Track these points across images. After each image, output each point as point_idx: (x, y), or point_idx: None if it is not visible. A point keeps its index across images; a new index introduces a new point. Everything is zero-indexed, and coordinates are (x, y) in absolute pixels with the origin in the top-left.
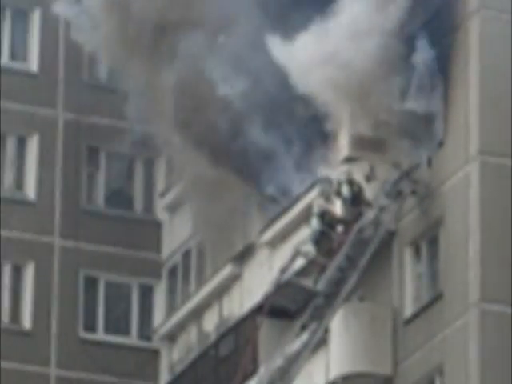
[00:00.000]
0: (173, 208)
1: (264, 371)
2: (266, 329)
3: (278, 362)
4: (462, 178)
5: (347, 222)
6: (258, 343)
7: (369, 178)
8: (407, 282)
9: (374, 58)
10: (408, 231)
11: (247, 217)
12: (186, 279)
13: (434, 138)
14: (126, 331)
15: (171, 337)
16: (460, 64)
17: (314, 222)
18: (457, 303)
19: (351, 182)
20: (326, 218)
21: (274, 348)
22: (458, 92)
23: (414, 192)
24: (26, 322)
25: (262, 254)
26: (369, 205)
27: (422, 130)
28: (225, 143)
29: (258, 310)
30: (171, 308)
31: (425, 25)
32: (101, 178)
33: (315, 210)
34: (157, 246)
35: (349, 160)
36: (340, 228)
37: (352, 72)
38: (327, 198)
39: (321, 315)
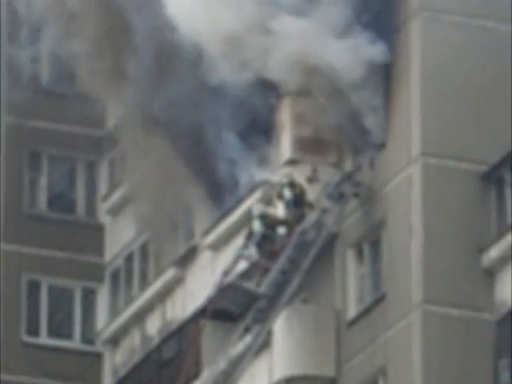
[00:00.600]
0: (115, 211)
1: (207, 374)
2: (209, 332)
3: (222, 364)
4: (404, 180)
5: (289, 224)
6: (201, 346)
7: (311, 179)
8: (350, 283)
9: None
10: (350, 233)
11: (190, 220)
12: (128, 282)
13: (375, 140)
14: (68, 335)
15: (114, 340)
16: (402, 65)
17: (256, 225)
18: (400, 305)
19: (293, 185)
20: (266, 220)
21: (218, 351)
22: (400, 93)
23: (356, 194)
24: None
25: (204, 257)
26: (311, 207)
27: (363, 131)
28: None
29: (200, 313)
30: (114, 311)
31: (367, 25)
32: (43, 182)
33: (255, 212)
34: (99, 250)
35: (291, 162)
36: (282, 230)
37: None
38: (269, 201)
39: (264, 318)
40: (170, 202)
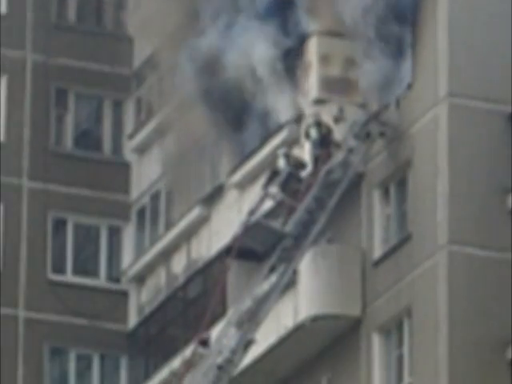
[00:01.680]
0: (141, 150)
1: (233, 313)
2: (234, 271)
3: (247, 303)
4: (430, 120)
5: (314, 164)
6: (227, 285)
7: (337, 119)
8: (376, 223)
9: None
10: (376, 173)
11: (216, 158)
12: (154, 221)
13: (403, 80)
14: (94, 273)
15: (140, 278)
16: (429, 4)
17: (282, 163)
18: (425, 245)
19: (320, 124)
20: (291, 159)
21: (243, 290)
22: (427, 33)
23: (382, 134)
24: None
25: (230, 196)
26: (338, 146)
27: (391, 71)
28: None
29: (226, 251)
30: (140, 250)
31: None
32: (69, 120)
33: (280, 152)
34: (125, 188)
35: (317, 102)
36: (307, 169)
37: None
38: (295, 141)
39: (289, 257)
40: (196, 140)
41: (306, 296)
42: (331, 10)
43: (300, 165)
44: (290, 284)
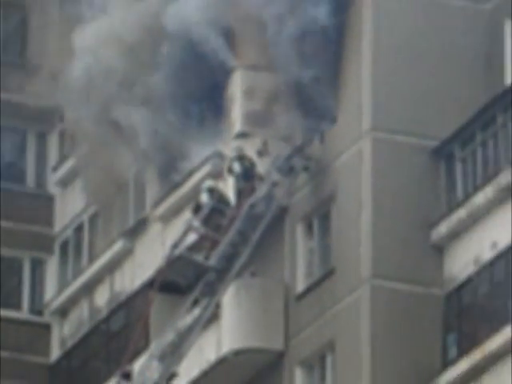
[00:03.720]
0: (65, 182)
1: (155, 346)
2: (157, 304)
3: (170, 336)
4: (354, 154)
5: (238, 197)
6: (150, 318)
7: (261, 153)
8: (299, 257)
9: None
10: (300, 207)
11: (140, 191)
12: (77, 254)
13: (326, 114)
14: (17, 305)
15: (63, 311)
16: (353, 39)
17: (205, 197)
18: (349, 279)
19: (243, 158)
20: (215, 193)
21: (166, 323)
22: (351, 67)
23: (306, 168)
24: None
25: (154, 229)
26: (261, 180)
27: (314, 104)
28: None
29: (149, 284)
30: (63, 282)
31: None
32: None
33: (204, 185)
34: (49, 221)
35: (241, 135)
36: (230, 204)
37: None
38: (219, 175)
39: (212, 290)
40: (119, 173)
41: (228, 329)
42: (254, 44)
43: (223, 200)
44: (213, 317)
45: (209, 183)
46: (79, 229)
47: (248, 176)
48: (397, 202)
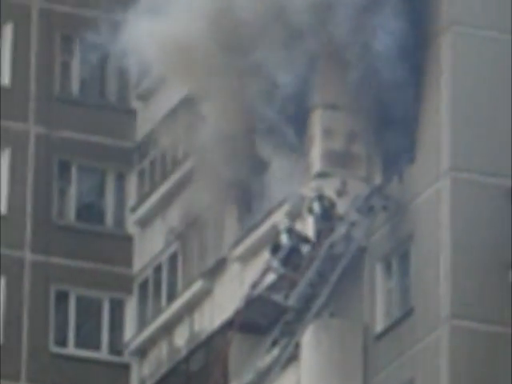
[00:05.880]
0: (144, 222)
1: None
2: (236, 344)
3: (249, 377)
4: (432, 194)
5: (317, 237)
6: (229, 358)
7: (340, 193)
8: (378, 297)
9: None
10: (379, 247)
11: (219, 231)
12: (157, 294)
13: (405, 154)
14: (96, 346)
15: (142, 351)
16: (432, 79)
17: (284, 238)
18: (428, 319)
19: (322, 198)
20: (293, 234)
21: (245, 363)
22: (430, 108)
23: (385, 207)
24: None
25: (233, 269)
26: (340, 220)
27: (393, 144)
28: None
29: (228, 325)
30: (142, 323)
31: (397, 38)
32: (72, 192)
33: (282, 226)
34: (128, 261)
35: (321, 175)
36: (306, 248)
37: None
38: (298, 215)
39: (292, 331)
40: (199, 213)
41: (308, 370)
42: (334, 83)
43: (304, 239)
44: (292, 358)
45: (287, 223)
46: (158, 269)
47: (327, 216)
48: (475, 241)
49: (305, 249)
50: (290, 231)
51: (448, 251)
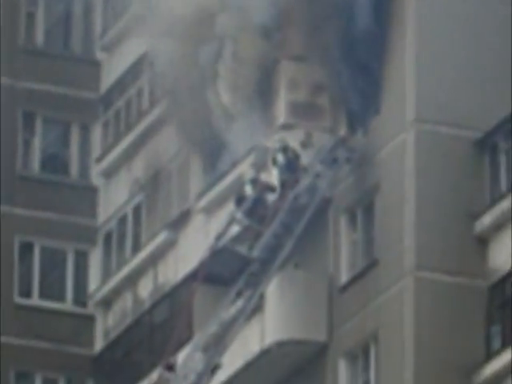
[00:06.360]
0: (108, 174)
1: (199, 337)
2: (200, 295)
3: (213, 328)
4: (397, 146)
5: (281, 189)
6: (193, 310)
7: (305, 144)
8: (342, 248)
9: None
10: (344, 198)
11: (184, 182)
12: (121, 245)
13: (370, 105)
14: (61, 297)
15: (106, 303)
16: (397, 31)
17: (248, 189)
18: (392, 270)
19: (287, 149)
20: (258, 185)
21: (209, 315)
22: (395, 59)
23: (349, 159)
24: None
25: (197, 221)
26: (305, 171)
27: (358, 95)
28: None
29: (193, 276)
30: (106, 274)
31: None
32: (36, 144)
33: (246, 177)
34: (92, 212)
35: (285, 127)
36: (271, 196)
37: None
38: (262, 166)
39: (256, 282)
40: (163, 164)
41: (272, 321)
42: (299, 36)
43: (269, 188)
44: (257, 309)
45: (251, 174)
46: (123, 220)
47: (292, 167)
48: (440, 193)
49: (270, 198)
50: (255, 182)
51: (412, 203)
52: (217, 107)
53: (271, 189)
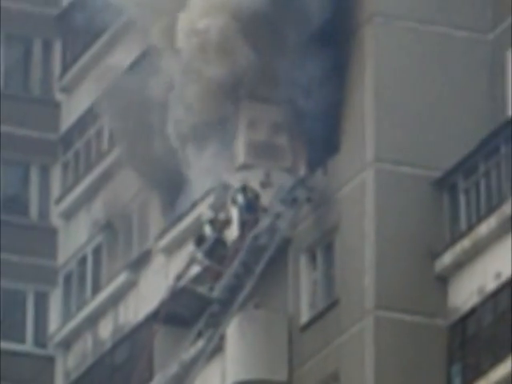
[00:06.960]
0: (68, 215)
1: (159, 378)
2: (161, 336)
3: (174, 369)
4: (357, 185)
5: (241, 229)
6: (154, 350)
7: (264, 184)
8: (303, 288)
9: None
10: (303, 238)
11: (143, 223)
12: (81, 286)
13: (329, 145)
14: (21, 338)
15: (67, 344)
16: (356, 70)
17: (207, 230)
18: (352, 310)
19: (246, 189)
20: (216, 224)
21: (170, 355)
22: (354, 99)
23: (309, 199)
24: None
25: (157, 261)
26: (264, 211)
27: (317, 135)
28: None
29: (153, 317)
30: (67, 315)
31: (320, 30)
32: None
33: (205, 217)
34: (52, 253)
35: (245, 167)
36: (230, 233)
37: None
38: (221, 207)
39: (216, 322)
40: (123, 205)
41: (232, 361)
42: (258, 76)
43: (227, 223)
44: (217, 349)
45: (209, 215)
46: (83, 261)
47: (251, 208)
48: (400, 232)
49: (230, 237)
50: (214, 223)
51: (372, 242)
52: (172, 149)
53: (228, 223)
